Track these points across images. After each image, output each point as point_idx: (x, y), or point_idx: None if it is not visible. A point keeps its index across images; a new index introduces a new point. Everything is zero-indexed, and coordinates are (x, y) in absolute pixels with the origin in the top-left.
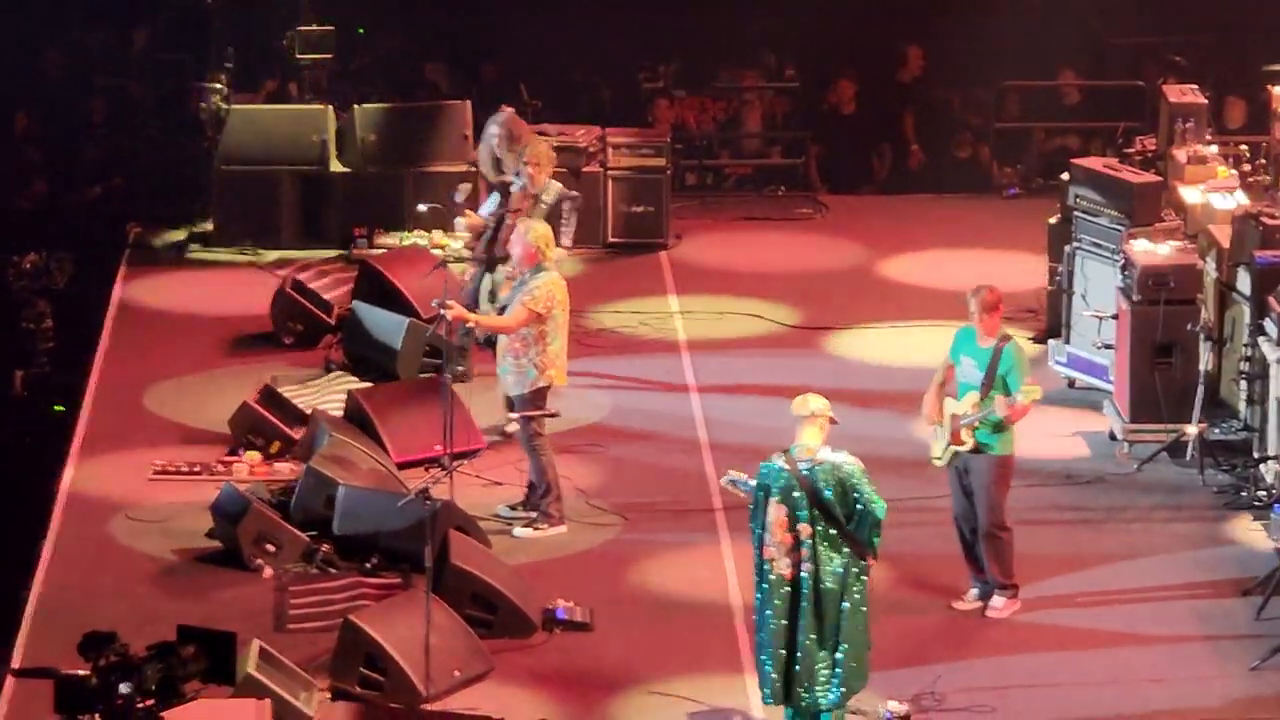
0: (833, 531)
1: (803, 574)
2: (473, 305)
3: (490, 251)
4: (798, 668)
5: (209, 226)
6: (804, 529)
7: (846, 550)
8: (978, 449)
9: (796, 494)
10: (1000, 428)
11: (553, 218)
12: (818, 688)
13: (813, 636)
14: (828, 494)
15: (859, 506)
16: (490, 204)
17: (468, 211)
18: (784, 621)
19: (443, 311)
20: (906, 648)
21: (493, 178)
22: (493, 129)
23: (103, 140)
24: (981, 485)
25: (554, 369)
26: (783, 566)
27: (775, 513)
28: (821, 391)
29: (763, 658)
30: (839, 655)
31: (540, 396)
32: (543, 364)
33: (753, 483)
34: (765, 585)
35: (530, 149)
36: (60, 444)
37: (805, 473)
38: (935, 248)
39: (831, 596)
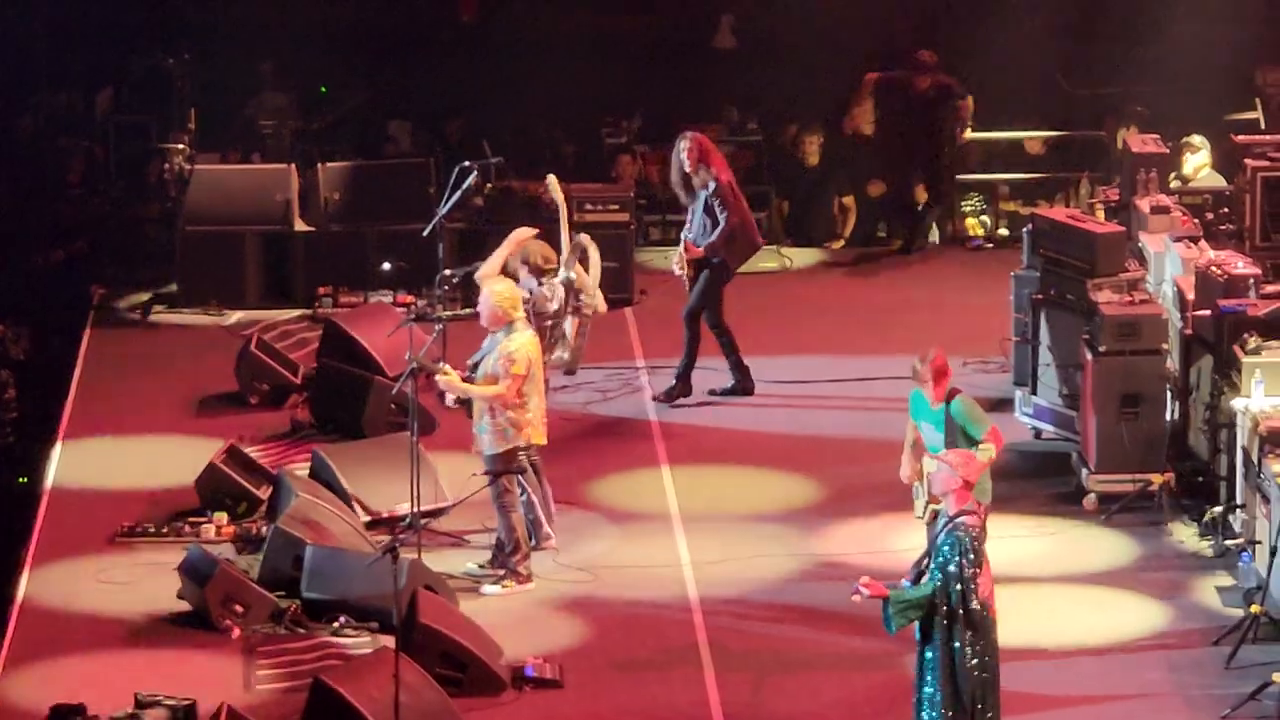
0: None
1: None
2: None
3: None
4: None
5: (173, 287)
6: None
7: None
8: None
9: None
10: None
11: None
12: None
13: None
14: None
15: None
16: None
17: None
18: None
19: (437, 377)
20: (881, 701)
21: (684, 199)
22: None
23: (66, 202)
24: None
25: (532, 428)
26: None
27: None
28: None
29: None
30: None
31: (512, 456)
32: (521, 423)
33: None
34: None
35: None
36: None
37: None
38: (900, 301)
39: None
